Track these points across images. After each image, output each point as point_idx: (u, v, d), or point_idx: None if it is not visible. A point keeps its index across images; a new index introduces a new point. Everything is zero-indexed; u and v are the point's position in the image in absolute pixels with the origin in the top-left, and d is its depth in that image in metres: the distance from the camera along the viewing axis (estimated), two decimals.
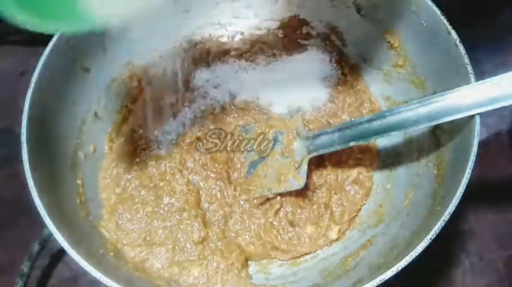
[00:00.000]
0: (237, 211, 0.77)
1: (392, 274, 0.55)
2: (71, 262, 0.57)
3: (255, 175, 0.78)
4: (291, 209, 0.78)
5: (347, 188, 0.80)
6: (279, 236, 0.77)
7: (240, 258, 0.74)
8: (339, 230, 0.77)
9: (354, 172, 0.81)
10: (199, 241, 0.74)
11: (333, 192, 0.79)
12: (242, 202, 0.78)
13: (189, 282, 0.72)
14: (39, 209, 0.60)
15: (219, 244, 0.75)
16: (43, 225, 0.60)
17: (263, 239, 0.76)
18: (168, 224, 0.75)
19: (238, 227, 0.77)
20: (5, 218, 0.86)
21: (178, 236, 0.74)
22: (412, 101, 0.63)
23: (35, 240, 0.71)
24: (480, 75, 0.64)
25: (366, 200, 0.80)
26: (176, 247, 0.74)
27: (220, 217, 0.77)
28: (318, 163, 0.81)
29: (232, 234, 0.77)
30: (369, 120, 0.66)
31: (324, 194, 0.79)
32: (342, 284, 0.67)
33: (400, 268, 0.55)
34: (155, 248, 0.73)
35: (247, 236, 0.77)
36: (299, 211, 0.78)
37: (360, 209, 0.80)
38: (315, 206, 0.79)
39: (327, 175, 0.81)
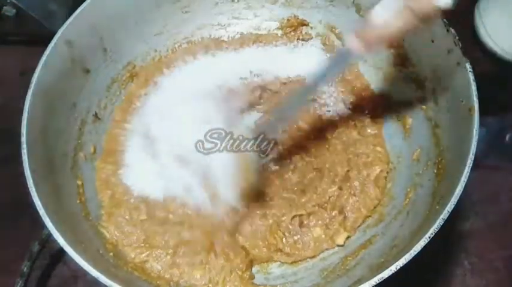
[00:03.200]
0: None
1: (391, 272, 0.55)
2: (71, 262, 0.57)
3: None
4: None
5: (367, 189, 0.77)
6: (284, 239, 0.76)
7: (245, 260, 0.73)
8: (346, 238, 0.75)
9: (376, 169, 0.78)
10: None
11: (351, 192, 0.77)
12: None
13: (190, 283, 0.71)
14: (39, 209, 0.60)
15: (223, 246, 0.74)
16: (43, 225, 0.60)
17: (268, 241, 0.75)
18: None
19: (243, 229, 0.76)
20: (5, 218, 0.86)
21: None
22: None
23: (35, 240, 0.71)
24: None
25: (376, 206, 0.77)
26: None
27: None
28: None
29: (238, 236, 0.76)
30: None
31: (343, 194, 0.77)
32: (342, 284, 0.66)
33: (399, 267, 0.55)
34: (155, 250, 0.73)
35: (252, 239, 0.76)
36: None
37: (369, 216, 0.77)
38: (328, 206, 0.77)
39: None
